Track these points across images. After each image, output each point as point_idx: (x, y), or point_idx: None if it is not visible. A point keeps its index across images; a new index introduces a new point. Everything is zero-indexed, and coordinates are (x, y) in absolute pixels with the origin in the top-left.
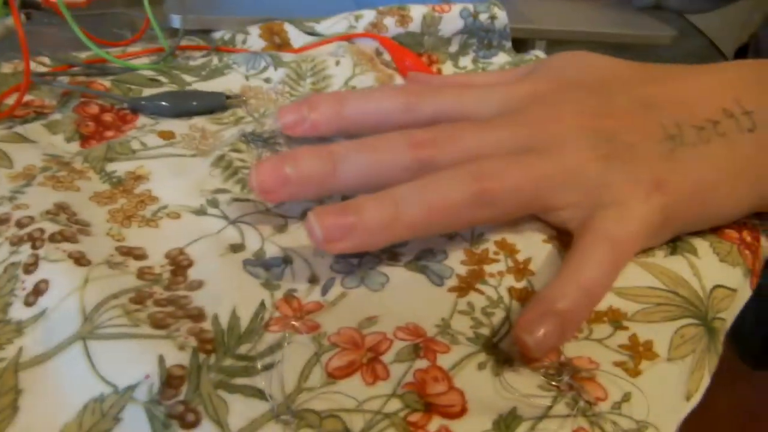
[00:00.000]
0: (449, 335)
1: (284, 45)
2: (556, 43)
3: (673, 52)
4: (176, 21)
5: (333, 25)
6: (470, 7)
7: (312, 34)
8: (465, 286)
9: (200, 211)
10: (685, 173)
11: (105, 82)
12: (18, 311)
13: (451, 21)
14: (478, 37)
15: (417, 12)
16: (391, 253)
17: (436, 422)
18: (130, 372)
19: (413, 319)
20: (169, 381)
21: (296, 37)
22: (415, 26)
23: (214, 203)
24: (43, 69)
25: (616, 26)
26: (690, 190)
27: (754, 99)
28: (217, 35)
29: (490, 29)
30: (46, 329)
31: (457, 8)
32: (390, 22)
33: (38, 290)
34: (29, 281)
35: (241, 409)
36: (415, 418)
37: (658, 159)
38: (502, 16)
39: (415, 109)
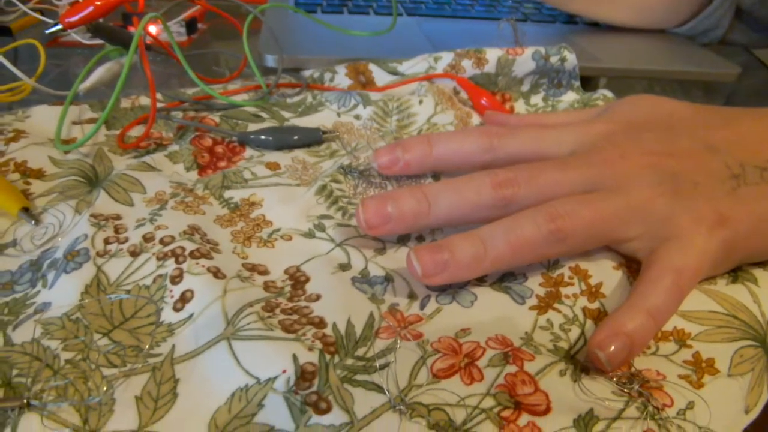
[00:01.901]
0: (533, 346)
1: (369, 83)
2: (617, 80)
3: (739, 87)
4: (271, 60)
5: (414, 65)
6: (542, 50)
7: (394, 73)
8: (544, 305)
9: (309, 234)
10: (747, 209)
11: (215, 118)
12: (168, 315)
13: (524, 63)
14: (549, 77)
15: (492, 55)
16: None
17: (524, 418)
18: (269, 367)
19: (500, 332)
20: (303, 375)
21: (380, 76)
22: (490, 67)
23: (320, 228)
24: (157, 105)
25: (681, 63)
26: (752, 225)
27: None
28: (306, 73)
29: (560, 70)
30: (194, 330)
31: (529, 51)
32: (467, 64)
33: (184, 298)
34: (176, 290)
35: (364, 400)
36: (506, 413)
37: (721, 196)
38: (571, 59)
39: (496, 149)
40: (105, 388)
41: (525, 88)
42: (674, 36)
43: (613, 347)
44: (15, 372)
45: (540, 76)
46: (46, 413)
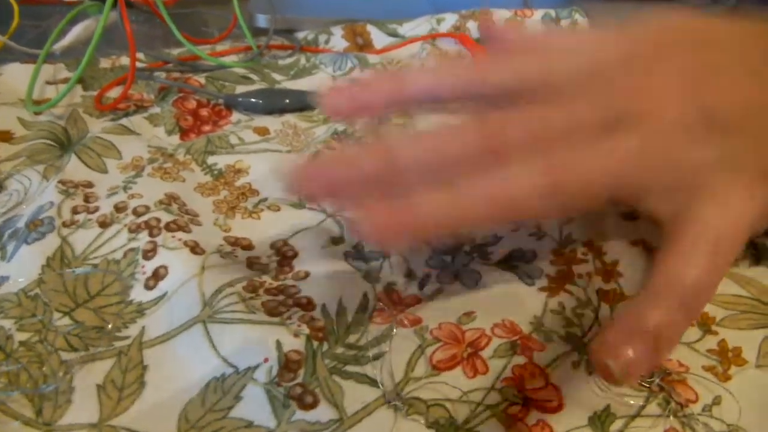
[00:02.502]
0: (543, 333)
1: (367, 46)
2: None
3: None
4: (262, 20)
5: (415, 27)
6: (552, 12)
7: (394, 35)
8: (555, 287)
9: (299, 205)
10: None
11: (200, 79)
12: (139, 294)
13: (533, 25)
14: None
15: (500, 16)
16: (482, 252)
17: (534, 416)
18: (249, 355)
19: (508, 316)
20: (287, 365)
21: (379, 38)
22: None
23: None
24: (139, 65)
25: None
26: None
27: None
28: (300, 35)
29: None
30: (167, 311)
31: (539, 13)
32: (473, 26)
33: (158, 275)
34: (149, 266)
35: (355, 394)
36: (514, 410)
37: None
38: (583, 22)
39: (487, 84)
40: (62, 373)
41: None
42: (686, 3)
43: (630, 352)
44: None
45: None
46: None
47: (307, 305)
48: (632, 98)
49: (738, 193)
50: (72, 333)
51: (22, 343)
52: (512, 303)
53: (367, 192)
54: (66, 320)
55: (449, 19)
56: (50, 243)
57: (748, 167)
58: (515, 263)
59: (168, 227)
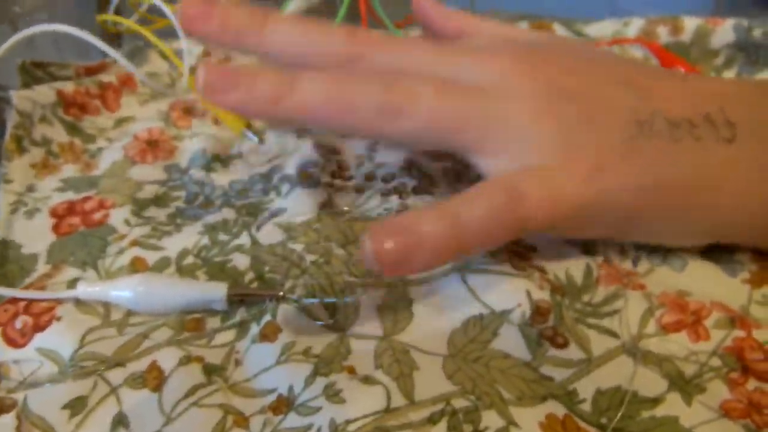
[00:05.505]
0: (753, 318)
1: None
2: None
3: None
4: None
5: (601, 29)
6: (745, 22)
7: (579, 35)
8: (758, 280)
9: None
10: (641, 166)
11: None
12: None
13: (723, 34)
14: (747, 52)
15: (691, 23)
16: None
17: (752, 383)
18: (504, 300)
19: (719, 299)
20: (538, 310)
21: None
22: (685, 36)
23: None
24: None
25: None
26: (641, 186)
27: (743, 113)
28: None
29: (762, 45)
30: None
31: (730, 22)
32: (663, 31)
33: None
34: None
35: (598, 341)
36: (734, 376)
37: (616, 141)
38: None
39: (364, 60)
40: (348, 292)
41: (719, 62)
42: None
43: (390, 244)
44: (267, 268)
45: (737, 50)
46: (299, 305)
47: (542, 270)
48: (492, 65)
49: (572, 180)
50: (350, 262)
51: (312, 263)
52: (717, 290)
53: (230, 42)
54: (341, 251)
55: (636, 23)
56: (320, 193)
57: (590, 156)
58: (718, 255)
59: (414, 190)
